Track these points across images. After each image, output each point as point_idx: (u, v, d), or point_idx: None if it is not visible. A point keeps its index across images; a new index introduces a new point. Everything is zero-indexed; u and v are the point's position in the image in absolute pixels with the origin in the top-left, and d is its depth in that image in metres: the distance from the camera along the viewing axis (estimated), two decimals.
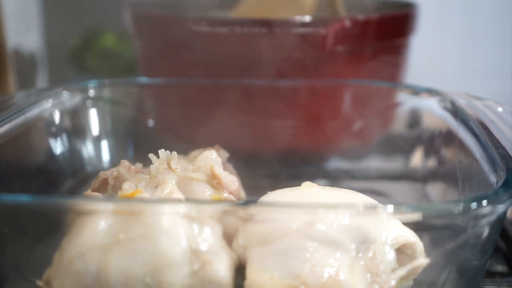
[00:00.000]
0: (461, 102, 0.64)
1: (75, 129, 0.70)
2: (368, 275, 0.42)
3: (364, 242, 0.43)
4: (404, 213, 0.42)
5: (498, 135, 0.53)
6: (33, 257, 0.46)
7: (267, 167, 0.74)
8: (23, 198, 0.42)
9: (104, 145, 0.72)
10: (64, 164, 0.68)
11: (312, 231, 0.42)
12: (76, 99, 0.70)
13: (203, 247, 0.43)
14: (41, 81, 1.20)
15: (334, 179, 0.74)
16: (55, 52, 1.20)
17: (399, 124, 0.75)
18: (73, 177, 0.68)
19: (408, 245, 0.44)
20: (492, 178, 0.48)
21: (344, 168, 0.77)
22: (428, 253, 0.45)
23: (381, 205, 0.42)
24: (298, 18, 0.74)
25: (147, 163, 0.51)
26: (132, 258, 0.42)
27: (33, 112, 0.62)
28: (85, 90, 0.71)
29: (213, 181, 0.49)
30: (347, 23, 0.74)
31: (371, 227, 0.43)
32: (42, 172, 0.65)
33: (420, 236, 0.45)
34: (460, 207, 0.41)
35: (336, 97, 0.75)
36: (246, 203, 0.50)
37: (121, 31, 1.09)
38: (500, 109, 0.60)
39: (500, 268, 0.60)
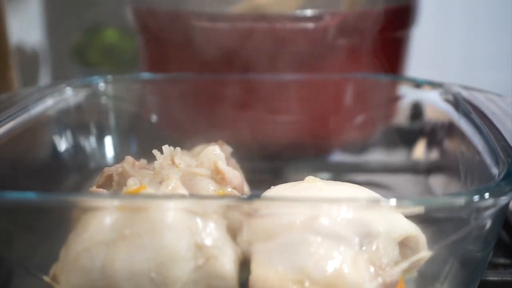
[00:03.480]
0: (463, 94, 0.64)
1: (79, 125, 0.70)
2: (372, 268, 0.42)
3: (367, 236, 0.43)
4: (407, 206, 0.42)
5: (500, 127, 0.53)
6: (39, 253, 0.46)
7: (270, 162, 0.74)
8: (29, 195, 0.42)
9: (108, 141, 0.73)
10: (68, 160, 0.68)
11: (316, 225, 0.42)
12: (80, 95, 0.70)
13: (208, 242, 0.43)
14: (44, 77, 1.20)
15: (337, 173, 0.75)
16: (57, 48, 1.20)
17: (401, 117, 0.75)
18: (77, 173, 0.69)
19: (411, 238, 0.45)
20: (494, 170, 0.48)
21: (347, 162, 0.78)
22: (430, 245, 0.45)
23: (384, 199, 0.42)
24: (298, 12, 0.74)
25: (151, 159, 0.51)
26: (137, 254, 0.42)
27: (37, 109, 0.62)
28: (88, 87, 0.72)
29: (217, 176, 0.49)
30: (348, 16, 0.74)
31: (374, 221, 0.43)
32: (46, 169, 0.66)
33: (423, 229, 0.45)
34: (462, 200, 0.41)
35: (338, 90, 0.75)
36: (250, 198, 0.50)
37: (124, 26, 1.09)
38: (501, 101, 0.60)
39: (503, 259, 0.60)
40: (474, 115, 0.58)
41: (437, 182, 0.69)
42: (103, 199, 0.45)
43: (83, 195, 0.51)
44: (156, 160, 0.50)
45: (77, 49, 1.16)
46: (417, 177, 0.72)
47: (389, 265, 0.43)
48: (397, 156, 0.75)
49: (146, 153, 0.52)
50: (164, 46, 0.80)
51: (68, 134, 0.68)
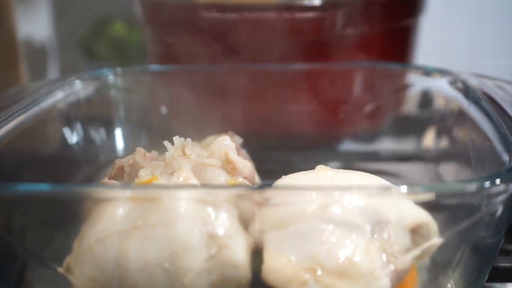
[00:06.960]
0: (472, 81, 0.64)
1: (89, 118, 0.71)
2: (384, 255, 0.42)
3: (378, 224, 0.43)
4: (417, 193, 0.42)
5: (510, 114, 0.53)
6: (53, 245, 0.47)
7: (281, 152, 0.74)
8: (42, 187, 0.42)
9: (118, 133, 0.73)
10: (80, 153, 0.69)
11: (327, 214, 0.42)
12: (89, 88, 0.70)
13: (220, 231, 0.43)
14: (52, 71, 1.21)
15: (347, 161, 0.75)
16: (65, 42, 1.20)
17: (410, 105, 0.75)
18: (88, 166, 0.69)
19: (422, 226, 0.45)
20: (505, 156, 0.48)
21: (357, 151, 0.78)
22: (442, 232, 0.45)
23: (395, 186, 0.42)
24: (307, 1, 0.74)
25: (161, 150, 0.51)
26: (150, 244, 0.42)
27: (47, 102, 0.63)
28: (98, 79, 0.72)
29: (228, 166, 0.49)
30: (356, 5, 0.74)
31: (385, 209, 0.43)
32: (58, 161, 0.66)
33: (434, 216, 0.45)
34: (473, 186, 0.41)
35: (347, 79, 0.75)
36: (262, 187, 0.50)
37: (131, 19, 1.09)
38: (511, 88, 0.60)
39: None
40: (484, 102, 0.57)
41: (447, 170, 0.69)
42: (116, 190, 0.46)
43: (95, 187, 0.51)
44: (167, 151, 0.50)
45: (84, 42, 1.16)
46: (427, 165, 0.72)
47: (401, 252, 0.43)
48: (407, 145, 0.75)
49: (156, 144, 0.53)
50: (172, 39, 0.80)
51: (79, 126, 0.69)
